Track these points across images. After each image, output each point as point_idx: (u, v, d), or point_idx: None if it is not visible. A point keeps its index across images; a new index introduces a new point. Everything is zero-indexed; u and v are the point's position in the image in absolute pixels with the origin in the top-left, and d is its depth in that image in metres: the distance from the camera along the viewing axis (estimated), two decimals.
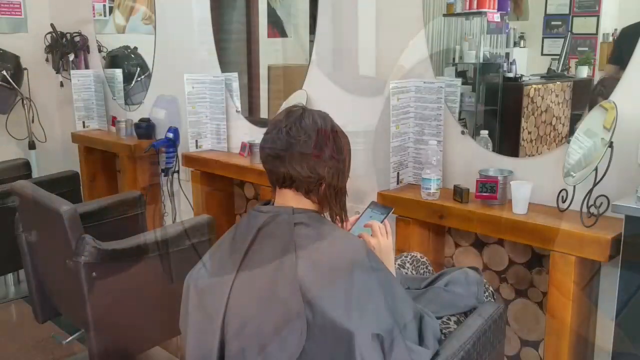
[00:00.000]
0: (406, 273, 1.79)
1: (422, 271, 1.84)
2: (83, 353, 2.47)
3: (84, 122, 4.01)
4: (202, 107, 3.19)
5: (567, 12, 2.07)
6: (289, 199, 1.28)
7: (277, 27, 3.28)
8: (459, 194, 2.07)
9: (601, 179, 1.74)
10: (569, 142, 1.87)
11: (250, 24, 3.32)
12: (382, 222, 1.46)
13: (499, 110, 2.31)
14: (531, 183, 1.94)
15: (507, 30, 2.27)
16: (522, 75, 2.25)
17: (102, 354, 2.06)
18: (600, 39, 2.00)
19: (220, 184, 3.23)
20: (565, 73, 2.14)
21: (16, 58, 3.95)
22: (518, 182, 1.96)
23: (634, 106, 1.78)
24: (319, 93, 2.73)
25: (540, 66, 2.21)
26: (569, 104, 2.13)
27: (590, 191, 1.79)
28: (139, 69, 3.82)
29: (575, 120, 2.07)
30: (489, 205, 2.01)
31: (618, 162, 1.72)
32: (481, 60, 2.34)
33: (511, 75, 2.28)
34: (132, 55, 3.91)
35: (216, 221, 2.36)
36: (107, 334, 2.06)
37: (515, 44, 2.26)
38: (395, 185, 2.27)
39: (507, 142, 2.22)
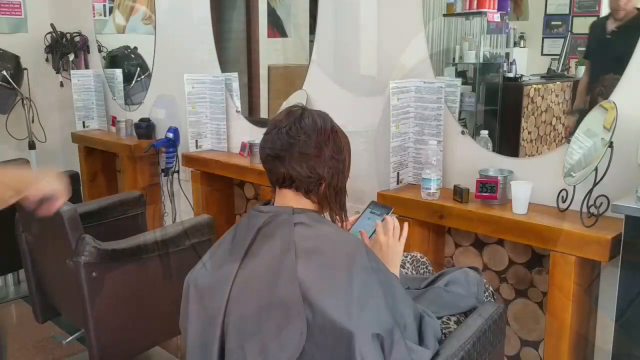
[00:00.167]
0: (406, 273, 1.79)
1: (422, 271, 1.84)
2: (83, 353, 2.47)
3: (84, 122, 4.02)
4: (202, 107, 3.19)
5: (567, 12, 2.07)
6: (289, 199, 1.28)
7: (277, 27, 3.28)
8: (459, 194, 2.07)
9: (601, 179, 1.74)
10: (569, 142, 1.87)
11: (250, 24, 3.32)
12: (382, 221, 1.47)
13: (499, 110, 2.31)
14: (531, 183, 1.94)
15: (507, 30, 2.27)
16: (522, 75, 2.25)
17: (102, 354, 2.06)
18: None
19: (220, 184, 3.23)
20: (565, 73, 2.15)
21: (16, 58, 3.95)
22: (518, 182, 1.96)
23: (634, 106, 1.78)
24: (319, 93, 2.73)
25: (540, 66, 2.21)
26: (569, 104, 2.13)
27: (590, 191, 1.79)
28: (139, 69, 3.82)
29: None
30: (489, 205, 2.01)
31: (618, 162, 1.72)
32: (481, 60, 2.34)
33: (511, 75, 2.28)
34: (132, 55, 3.91)
35: (216, 221, 2.36)
36: (107, 334, 2.06)
37: (515, 44, 2.26)
38: (395, 185, 2.27)
39: (507, 142, 2.22)
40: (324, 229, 1.25)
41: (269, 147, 1.27)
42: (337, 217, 1.34)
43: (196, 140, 3.20)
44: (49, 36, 4.17)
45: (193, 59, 3.35)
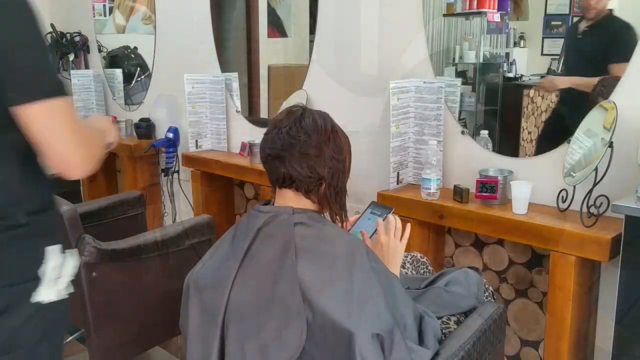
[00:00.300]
0: (406, 273, 1.79)
1: (422, 271, 1.85)
2: (83, 353, 2.46)
3: None
4: (202, 107, 3.19)
5: (567, 12, 2.07)
6: (289, 199, 1.28)
7: (277, 27, 3.28)
8: (459, 194, 2.07)
9: (601, 179, 1.74)
10: (569, 142, 1.87)
11: (250, 24, 3.32)
12: (384, 220, 1.47)
13: (499, 110, 2.31)
14: (531, 183, 1.94)
15: (507, 30, 2.27)
16: (522, 75, 2.25)
17: (102, 354, 2.06)
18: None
19: (220, 184, 3.23)
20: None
21: None
22: (518, 182, 1.96)
23: (634, 106, 1.78)
24: (319, 93, 2.73)
25: (540, 66, 2.21)
26: None
27: (590, 191, 1.79)
28: (139, 69, 3.82)
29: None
30: (489, 205, 2.01)
31: (618, 162, 1.72)
32: (481, 60, 2.34)
33: (511, 75, 2.28)
34: (132, 55, 3.91)
35: (216, 221, 2.36)
36: (107, 334, 2.06)
37: (515, 44, 2.26)
38: (395, 185, 2.27)
39: (507, 142, 2.22)
40: (324, 229, 1.25)
41: (269, 147, 1.27)
42: (337, 217, 1.34)
43: (196, 140, 3.20)
44: (48, 36, 4.17)
45: (193, 59, 3.35)
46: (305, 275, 1.16)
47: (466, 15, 2.33)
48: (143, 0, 3.71)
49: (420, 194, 2.15)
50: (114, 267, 2.03)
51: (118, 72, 3.91)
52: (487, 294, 1.65)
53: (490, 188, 2.00)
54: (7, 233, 1.11)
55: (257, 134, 2.97)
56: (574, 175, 1.81)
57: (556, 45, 2.16)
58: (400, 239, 1.45)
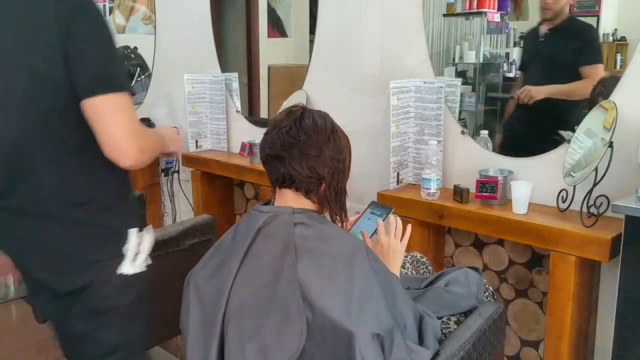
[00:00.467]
0: (406, 273, 1.79)
1: (422, 271, 1.85)
2: None
3: None
4: (202, 107, 3.19)
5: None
6: (289, 199, 1.28)
7: (277, 27, 3.28)
8: (459, 194, 2.07)
9: (601, 179, 1.74)
10: (569, 142, 1.87)
11: (250, 24, 3.32)
12: (383, 220, 1.47)
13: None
14: (531, 183, 1.94)
15: (507, 30, 2.27)
16: None
17: None
18: (600, 39, 2.00)
19: (220, 184, 3.23)
20: None
21: None
22: (518, 182, 1.96)
23: (634, 106, 1.78)
24: (319, 93, 2.74)
25: None
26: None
27: (590, 191, 1.79)
28: (139, 69, 3.82)
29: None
30: (489, 205, 2.01)
31: (618, 162, 1.72)
32: (481, 60, 2.34)
33: (511, 75, 2.28)
34: (132, 55, 3.91)
35: (216, 221, 2.36)
36: None
37: (515, 44, 2.26)
38: (395, 185, 2.27)
39: (507, 142, 2.22)
40: (324, 229, 1.25)
41: (269, 147, 1.27)
42: (337, 217, 1.34)
43: (196, 140, 3.20)
44: None
45: (193, 59, 3.35)
46: (305, 275, 1.16)
47: (466, 15, 2.33)
48: (143, 0, 3.71)
49: (420, 194, 2.15)
50: None
51: None
52: (487, 294, 1.65)
53: (490, 188, 2.00)
54: (91, 218, 1.33)
55: (257, 134, 2.97)
56: (574, 175, 1.81)
57: None
58: (401, 239, 1.45)
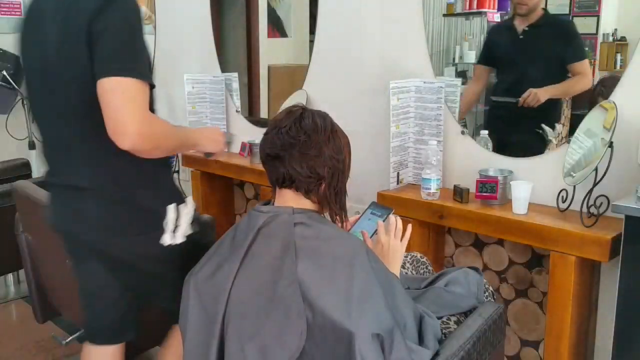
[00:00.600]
0: (406, 273, 1.79)
1: (422, 271, 1.85)
2: None
3: None
4: (202, 107, 3.19)
5: (567, 12, 2.07)
6: (289, 199, 1.28)
7: (277, 27, 3.28)
8: (459, 194, 2.07)
9: (601, 179, 1.74)
10: (569, 142, 1.87)
11: (250, 24, 3.32)
12: (384, 221, 1.47)
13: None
14: (531, 183, 1.94)
15: None
16: None
17: None
18: (600, 39, 2.00)
19: (220, 184, 3.23)
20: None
21: (16, 58, 3.94)
22: (518, 182, 1.96)
23: (634, 106, 1.78)
24: (319, 93, 2.74)
25: None
26: (569, 104, 2.13)
27: (590, 191, 1.79)
28: None
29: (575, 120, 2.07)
30: (489, 205, 2.01)
31: (618, 162, 1.72)
32: None
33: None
34: None
35: (216, 221, 2.36)
36: None
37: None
38: (395, 185, 2.27)
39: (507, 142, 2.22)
40: (324, 229, 1.25)
41: (268, 147, 1.27)
42: (337, 217, 1.34)
43: None
44: None
45: (193, 59, 3.35)
46: (305, 275, 1.16)
47: (466, 15, 2.33)
48: (143, 0, 3.71)
49: (420, 194, 2.15)
50: None
51: None
52: (487, 294, 1.65)
53: (490, 188, 2.00)
54: (131, 198, 1.45)
55: (257, 134, 2.97)
56: (574, 175, 1.81)
57: None
58: (401, 239, 1.45)
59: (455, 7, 2.35)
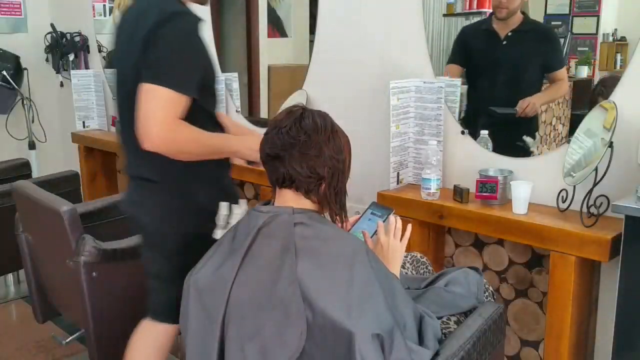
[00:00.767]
0: (406, 273, 1.79)
1: (422, 271, 1.85)
2: (83, 353, 2.47)
3: (84, 122, 4.01)
4: None
5: (567, 12, 2.07)
6: (289, 199, 1.28)
7: (277, 27, 3.28)
8: (459, 194, 2.07)
9: (601, 179, 1.74)
10: (569, 142, 1.87)
11: (250, 24, 3.32)
12: (384, 221, 1.47)
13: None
14: (531, 183, 1.94)
15: None
16: None
17: (102, 354, 2.06)
18: (600, 39, 2.00)
19: None
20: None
21: (16, 58, 3.95)
22: (518, 182, 1.96)
23: (634, 106, 1.78)
24: (319, 93, 2.74)
25: None
26: (569, 104, 2.13)
27: (590, 191, 1.79)
28: None
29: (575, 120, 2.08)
30: (489, 205, 2.01)
31: (618, 162, 1.72)
32: None
33: None
34: None
35: None
36: (107, 334, 2.06)
37: None
38: (395, 185, 2.27)
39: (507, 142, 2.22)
40: (324, 229, 1.25)
41: (269, 147, 1.27)
42: (337, 217, 1.34)
43: None
44: (49, 36, 4.17)
45: None
46: (305, 275, 1.16)
47: (466, 15, 2.33)
48: None
49: (420, 194, 2.15)
50: (114, 267, 2.03)
51: None
52: (487, 294, 1.65)
53: (490, 188, 2.00)
54: (187, 199, 1.60)
55: None
56: (574, 175, 1.81)
57: None
58: (401, 239, 1.45)
59: (455, 7, 2.35)
